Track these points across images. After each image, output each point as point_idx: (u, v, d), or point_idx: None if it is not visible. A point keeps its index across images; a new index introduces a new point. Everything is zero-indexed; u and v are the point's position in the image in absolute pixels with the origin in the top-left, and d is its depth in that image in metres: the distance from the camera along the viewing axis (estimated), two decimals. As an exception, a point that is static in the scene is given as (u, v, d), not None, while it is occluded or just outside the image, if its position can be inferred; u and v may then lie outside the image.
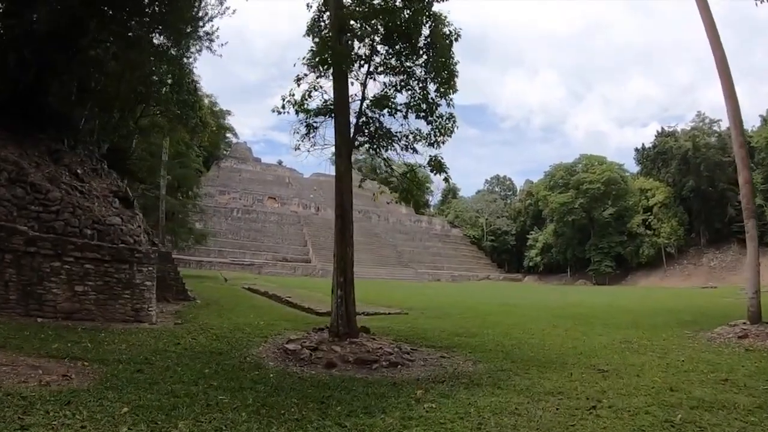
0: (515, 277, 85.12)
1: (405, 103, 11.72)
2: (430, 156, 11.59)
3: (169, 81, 24.00)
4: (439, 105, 11.62)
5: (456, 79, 11.43)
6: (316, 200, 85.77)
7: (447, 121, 11.62)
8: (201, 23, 21.75)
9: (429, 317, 18.05)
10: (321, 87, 11.55)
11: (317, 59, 10.77)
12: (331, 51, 10.70)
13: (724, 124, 78.15)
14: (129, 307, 13.43)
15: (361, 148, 12.29)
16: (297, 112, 11.68)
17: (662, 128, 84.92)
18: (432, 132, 11.72)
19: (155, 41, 22.09)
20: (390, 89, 11.82)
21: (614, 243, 77.68)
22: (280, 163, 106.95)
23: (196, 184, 48.67)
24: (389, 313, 18.80)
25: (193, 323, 14.16)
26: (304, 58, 11.11)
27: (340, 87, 11.32)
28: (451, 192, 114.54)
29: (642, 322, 17.97)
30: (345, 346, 9.86)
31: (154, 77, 22.83)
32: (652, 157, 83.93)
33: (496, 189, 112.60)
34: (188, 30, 21.39)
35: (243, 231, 69.76)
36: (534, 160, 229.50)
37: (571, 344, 12.48)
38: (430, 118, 11.65)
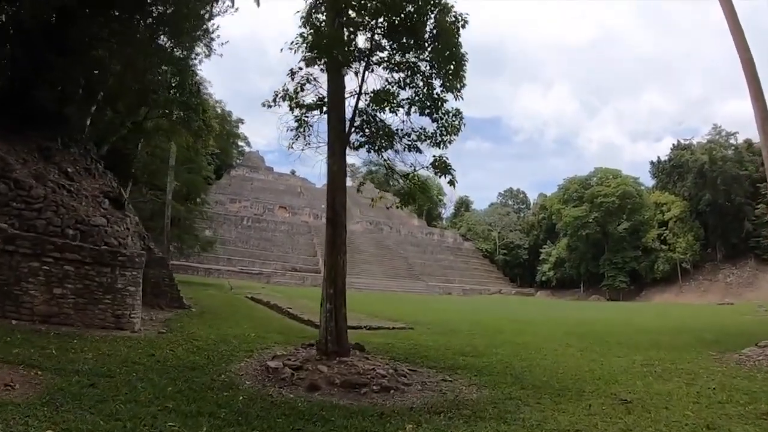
0: (527, 291, 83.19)
1: (407, 99, 10.61)
2: (434, 156, 10.45)
3: (173, 83, 23.17)
4: (445, 101, 10.49)
5: (464, 70, 10.28)
6: (324, 208, 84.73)
7: (453, 118, 10.48)
8: (203, 23, 20.85)
9: (435, 333, 16.82)
10: (315, 80, 10.44)
11: (308, 45, 9.66)
12: (324, 38, 9.61)
13: (741, 136, 76.87)
14: (109, 313, 12.55)
15: (361, 150, 11.14)
16: (291, 109, 10.63)
17: (678, 141, 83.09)
18: (438, 131, 10.60)
19: (159, 42, 21.37)
20: (393, 86, 10.70)
21: (629, 258, 75.78)
22: (293, 172, 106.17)
23: (204, 190, 47.74)
24: (393, 328, 17.60)
25: (178, 333, 13.17)
26: (292, 42, 9.99)
27: (335, 79, 10.25)
28: (463, 205, 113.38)
29: (662, 341, 16.67)
30: (333, 365, 8.72)
31: (157, 78, 21.92)
32: (668, 171, 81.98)
33: (509, 202, 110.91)
34: (190, 28, 20.50)
35: (253, 240, 68.84)
36: (547, 174, 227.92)
37: (587, 367, 11.25)
38: (435, 115, 10.53)
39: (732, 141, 76.67)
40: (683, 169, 77.72)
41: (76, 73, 19.43)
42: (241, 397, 7.19)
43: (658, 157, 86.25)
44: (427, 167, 10.55)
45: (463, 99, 10.45)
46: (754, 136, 79.32)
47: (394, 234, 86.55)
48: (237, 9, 21.19)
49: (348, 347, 9.82)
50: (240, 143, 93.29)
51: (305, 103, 10.44)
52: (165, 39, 21.72)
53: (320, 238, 73.78)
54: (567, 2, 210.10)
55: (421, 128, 10.63)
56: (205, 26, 21.11)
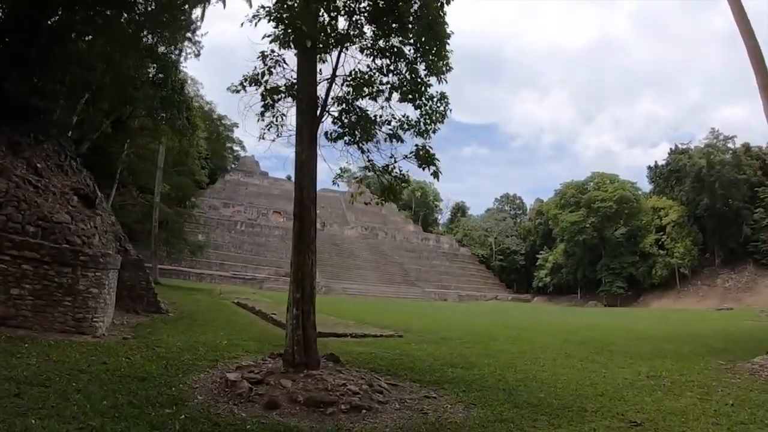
0: (524, 297, 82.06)
1: (389, 83, 9.53)
2: (416, 146, 9.33)
3: (156, 80, 22.18)
4: (429, 85, 9.40)
5: (448, 51, 9.20)
6: (322, 215, 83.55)
7: (438, 104, 9.41)
8: (182, 14, 19.80)
9: (425, 341, 15.67)
10: (285, 61, 9.32)
11: (271, 18, 8.50)
12: (290, 9, 8.48)
13: (739, 140, 75.83)
14: (70, 316, 11.59)
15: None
16: (263, 97, 9.53)
17: (675, 145, 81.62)
18: (421, 119, 9.53)
19: (142, 37, 20.36)
20: (375, 72, 9.61)
21: (626, 263, 74.33)
22: (288, 178, 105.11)
23: (194, 194, 46.61)
24: (381, 336, 16.44)
25: (145, 339, 12.15)
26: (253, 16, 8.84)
27: (305, 59, 9.14)
28: (459, 210, 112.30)
29: (666, 350, 15.60)
30: (298, 380, 7.58)
31: (139, 74, 20.88)
32: (666, 175, 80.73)
33: (506, 208, 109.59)
34: (170, 18, 19.45)
35: (246, 245, 67.52)
36: (544, 180, 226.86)
37: (589, 380, 10.14)
38: (418, 101, 9.45)
39: (730, 145, 75.40)
40: (681, 173, 76.55)
41: (53, 66, 18.45)
42: (182, 416, 6.11)
43: (656, 162, 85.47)
44: (408, 156, 9.39)
45: (447, 83, 9.37)
46: (752, 140, 78.39)
47: (390, 239, 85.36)
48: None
49: (317, 358, 8.69)
50: (235, 147, 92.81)
51: (272, 87, 9.31)
52: (148, 34, 20.75)
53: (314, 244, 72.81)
54: (565, 9, 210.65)
55: (404, 116, 9.55)
56: (185, 17, 20.01)
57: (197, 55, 29.96)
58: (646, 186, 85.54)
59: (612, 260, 74.82)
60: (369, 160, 9.80)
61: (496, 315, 34.47)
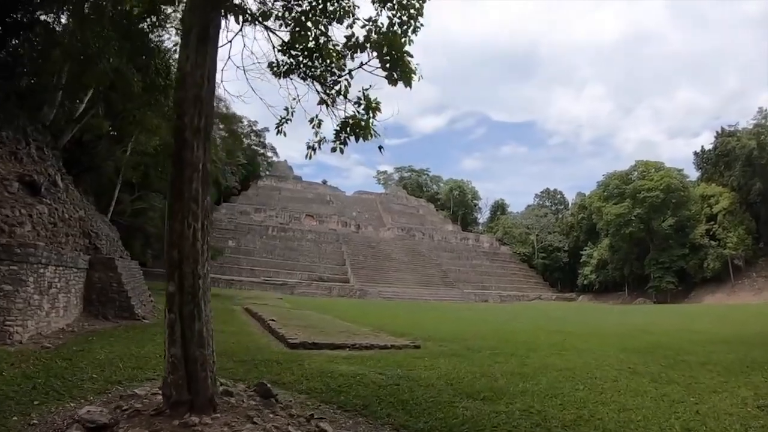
0: (568, 296, 76.94)
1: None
2: (363, 90, 6.01)
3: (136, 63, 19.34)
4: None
5: None
6: (357, 218, 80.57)
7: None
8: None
9: (444, 354, 12.07)
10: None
11: None
12: None
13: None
14: (-26, 319, 9.12)
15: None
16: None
17: (722, 128, 74.92)
18: (394, 17, 6.11)
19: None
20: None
21: (675, 256, 68.38)
22: (324, 182, 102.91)
23: (215, 198, 43.85)
24: (390, 347, 12.95)
25: (66, 349, 9.61)
26: None
27: None
28: (499, 208, 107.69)
29: (756, 359, 11.70)
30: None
31: (112, 57, 17.93)
32: (713, 161, 73.96)
33: (547, 203, 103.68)
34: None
35: (278, 249, 64.88)
36: (585, 177, 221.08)
37: (678, 420, 6.46)
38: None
39: (780, 124, 69.22)
40: (730, 157, 70.04)
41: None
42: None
43: (702, 147, 78.26)
44: (367, 63, 5.94)
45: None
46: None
47: (427, 240, 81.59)
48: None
49: (210, 394, 5.26)
50: (268, 153, 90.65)
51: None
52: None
53: (349, 246, 69.95)
54: (597, 2, 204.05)
55: (368, 20, 6.13)
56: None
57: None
58: (693, 173, 79.50)
59: (660, 254, 69.22)
60: (327, 95, 6.38)
61: (538, 317, 30.46)
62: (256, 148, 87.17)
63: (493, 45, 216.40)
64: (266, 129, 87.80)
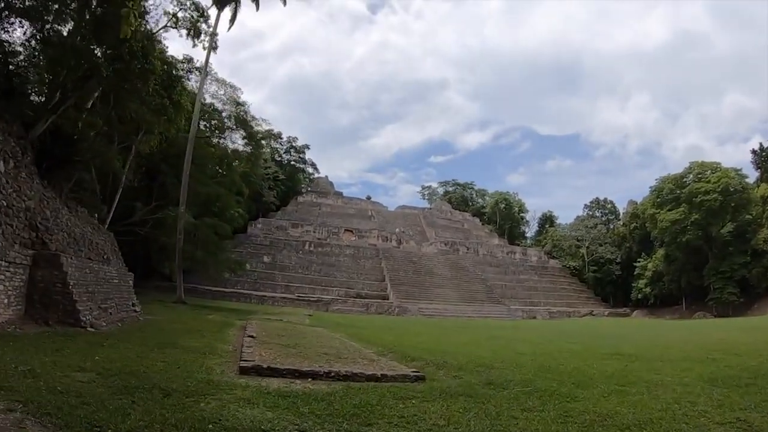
0: (622, 311, 69.78)
1: None
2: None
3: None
4: None
5: None
6: (399, 233, 76.54)
7: None
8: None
9: (449, 394, 7.99)
10: None
11: None
12: None
13: None
14: None
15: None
16: None
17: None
18: None
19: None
20: None
21: (737, 265, 60.47)
22: (368, 198, 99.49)
23: (232, 207, 40.88)
24: (380, 377, 9.16)
25: None
26: None
27: None
28: (547, 220, 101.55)
29: None
30: None
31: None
32: (775, 158, 66.32)
33: (597, 214, 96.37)
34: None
35: (315, 265, 61.33)
36: (634, 188, 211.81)
37: None
38: None
39: None
40: (793, 152, 62.86)
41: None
42: None
43: (761, 144, 69.99)
44: None
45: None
46: None
47: (471, 254, 76.63)
48: None
49: None
50: (308, 169, 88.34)
51: None
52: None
53: (389, 262, 65.91)
54: (639, 8, 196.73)
55: None
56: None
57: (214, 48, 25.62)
58: (751, 175, 71.29)
59: (720, 262, 61.53)
60: None
61: (589, 336, 25.65)
62: (295, 164, 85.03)
63: (537, 58, 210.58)
64: (306, 146, 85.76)
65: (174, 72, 23.92)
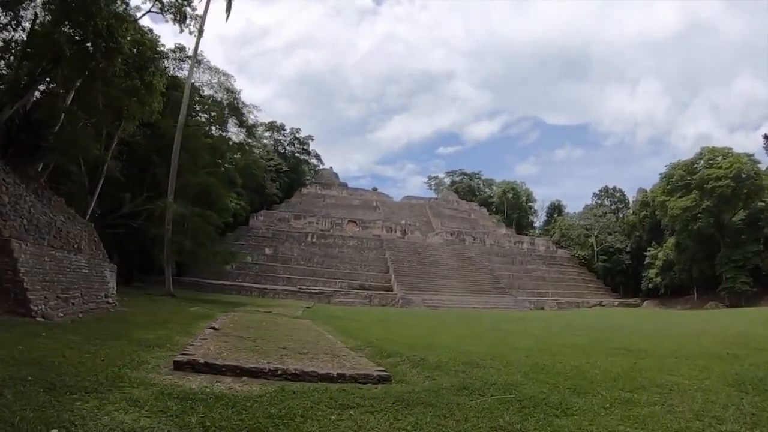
0: (632, 302, 67.57)
1: None
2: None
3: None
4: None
5: None
6: (405, 224, 74.84)
7: None
8: None
9: (407, 401, 6.42)
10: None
11: None
12: None
13: None
14: None
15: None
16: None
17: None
18: None
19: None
20: None
21: (750, 254, 58.15)
22: (374, 189, 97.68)
23: (224, 196, 39.54)
24: (336, 376, 7.72)
25: None
26: None
27: None
28: (556, 210, 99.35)
29: None
30: None
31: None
32: (788, 142, 63.54)
33: (606, 202, 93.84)
34: None
35: (317, 257, 59.90)
36: (644, 177, 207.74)
37: None
38: None
39: None
40: (806, 136, 60.13)
41: None
42: None
43: None
44: None
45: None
46: None
47: (478, 244, 74.81)
48: None
49: None
50: (312, 161, 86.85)
51: None
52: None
53: (393, 253, 64.22)
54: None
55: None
56: None
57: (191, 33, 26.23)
58: (764, 160, 68.55)
59: (733, 251, 59.11)
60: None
61: (597, 327, 23.91)
62: (299, 155, 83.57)
63: (545, 46, 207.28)
64: (310, 137, 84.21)
65: (149, 54, 22.46)
